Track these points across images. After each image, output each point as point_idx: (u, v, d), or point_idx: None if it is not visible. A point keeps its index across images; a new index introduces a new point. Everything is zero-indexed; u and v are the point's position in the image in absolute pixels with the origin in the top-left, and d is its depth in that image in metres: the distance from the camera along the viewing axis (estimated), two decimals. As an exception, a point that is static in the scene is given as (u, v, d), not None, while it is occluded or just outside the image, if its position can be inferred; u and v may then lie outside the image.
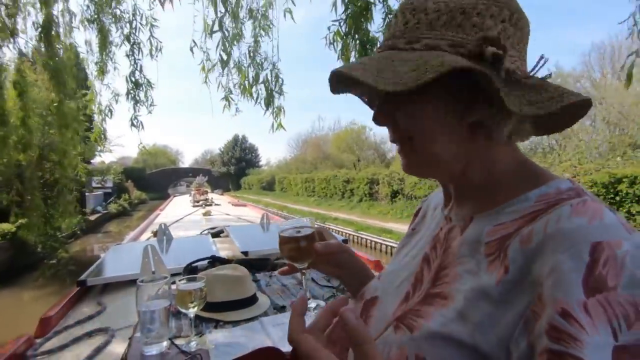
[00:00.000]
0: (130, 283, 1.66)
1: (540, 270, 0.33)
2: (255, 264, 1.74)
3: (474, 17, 0.40)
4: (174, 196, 11.15)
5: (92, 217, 16.68)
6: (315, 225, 0.71)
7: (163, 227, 2.61)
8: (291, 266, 0.70)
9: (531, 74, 0.42)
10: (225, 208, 5.88)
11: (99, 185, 21.38)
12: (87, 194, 16.55)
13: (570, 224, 0.34)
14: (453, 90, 0.41)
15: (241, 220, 3.98)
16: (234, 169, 41.21)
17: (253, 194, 30.74)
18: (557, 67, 15.47)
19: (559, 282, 0.31)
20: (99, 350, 1.06)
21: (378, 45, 0.50)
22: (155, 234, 2.81)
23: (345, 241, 2.29)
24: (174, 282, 1.04)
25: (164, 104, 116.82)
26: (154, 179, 39.42)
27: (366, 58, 0.45)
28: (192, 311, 0.95)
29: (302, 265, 0.69)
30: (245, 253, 1.98)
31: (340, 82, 0.46)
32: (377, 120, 0.47)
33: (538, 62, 0.42)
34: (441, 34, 0.41)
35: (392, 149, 26.96)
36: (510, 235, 0.38)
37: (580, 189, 0.39)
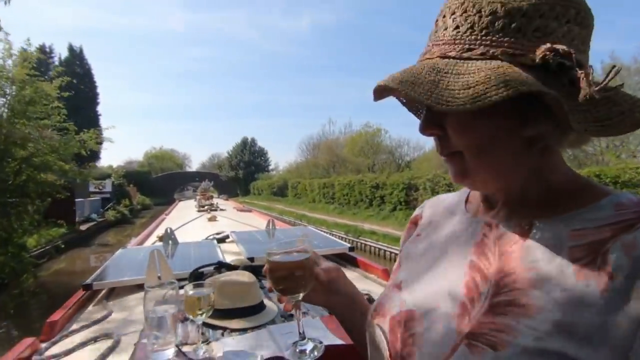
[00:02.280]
0: (136, 287, 1.65)
1: None
2: (262, 271, 1.71)
3: (536, 20, 0.37)
4: (179, 201, 11.18)
5: (84, 227, 14.42)
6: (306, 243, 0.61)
7: (169, 231, 2.60)
8: (283, 298, 0.61)
9: (601, 84, 0.36)
10: (230, 213, 5.88)
11: (97, 190, 19.56)
12: (77, 200, 14.37)
13: None
14: (508, 107, 0.38)
15: (246, 225, 3.96)
16: (243, 173, 39.39)
17: (263, 200, 28.68)
18: (613, 57, 13.23)
19: None
20: (104, 356, 1.04)
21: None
22: (160, 238, 2.80)
23: (352, 249, 2.27)
24: (181, 288, 1.03)
25: (173, 109, 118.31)
26: (160, 184, 38.86)
27: (414, 67, 0.41)
28: (200, 318, 0.93)
29: (295, 298, 0.60)
30: (251, 259, 1.97)
31: (384, 91, 0.43)
32: (424, 131, 0.45)
33: (609, 73, 0.36)
34: (498, 40, 0.38)
35: (408, 153, 25.76)
36: (605, 240, 0.36)
37: None
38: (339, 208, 17.44)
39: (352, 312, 0.62)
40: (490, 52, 0.38)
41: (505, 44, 0.37)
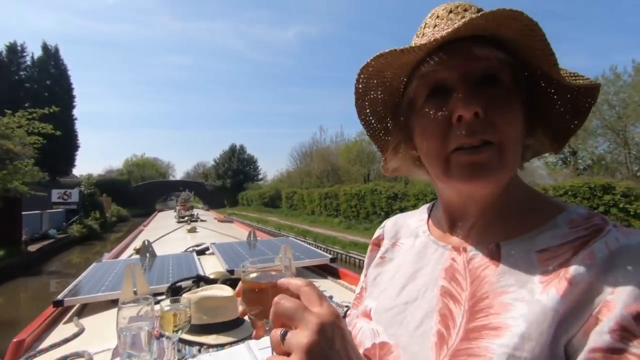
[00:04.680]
0: (110, 303, 1.60)
1: (610, 281, 0.35)
2: (236, 291, 1.70)
3: None
4: (158, 211, 10.91)
5: (34, 247, 11.03)
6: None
7: (147, 243, 2.54)
8: (256, 324, 0.52)
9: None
10: (211, 224, 5.78)
11: (60, 200, 16.61)
12: (26, 213, 11.51)
13: (633, 241, 0.37)
14: (525, 111, 0.45)
15: (227, 237, 3.91)
16: (231, 182, 36.57)
17: (254, 211, 26.11)
18: (637, 63, 12.00)
19: (636, 289, 0.33)
20: None
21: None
22: (138, 250, 2.73)
23: (334, 259, 2.27)
24: (157, 303, 1.00)
25: (158, 118, 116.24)
26: (140, 193, 36.58)
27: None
28: (176, 335, 0.92)
29: (269, 324, 0.56)
30: (231, 272, 1.94)
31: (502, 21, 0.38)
32: (471, 105, 0.40)
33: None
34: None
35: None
36: (568, 260, 0.38)
37: (596, 212, 0.42)
38: (345, 222, 15.06)
39: None
40: None
41: None
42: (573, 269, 0.37)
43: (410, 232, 0.56)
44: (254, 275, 0.53)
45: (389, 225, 0.62)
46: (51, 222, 14.29)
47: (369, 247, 0.63)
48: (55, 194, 16.55)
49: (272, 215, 22.01)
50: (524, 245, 0.41)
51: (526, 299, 0.38)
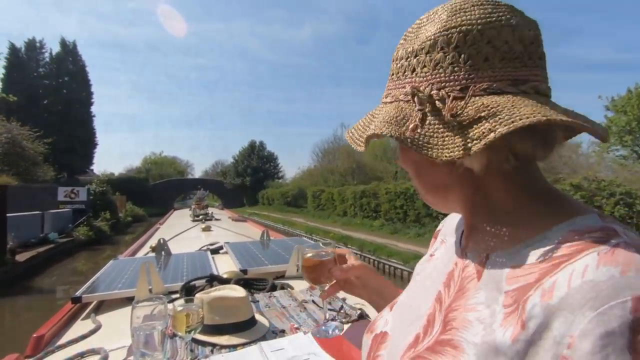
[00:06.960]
0: (127, 300, 1.62)
1: (566, 329, 0.29)
2: (255, 284, 1.70)
3: (424, 56, 0.40)
4: (174, 210, 11.08)
5: (24, 256, 8.70)
6: (335, 248, 0.79)
7: (162, 242, 2.58)
8: (313, 287, 0.74)
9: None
10: (225, 223, 5.85)
11: (67, 199, 14.70)
12: (15, 215, 9.15)
13: (599, 276, 0.29)
14: None
15: (241, 236, 3.94)
16: (250, 180, 35.16)
17: (276, 211, 24.46)
18: None
19: (593, 350, 0.27)
20: None
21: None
22: (153, 249, 2.78)
23: (347, 261, 2.25)
24: (171, 301, 1.01)
25: (177, 118, 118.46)
26: (158, 192, 35.44)
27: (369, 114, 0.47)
28: (188, 335, 0.92)
29: (322, 288, 0.78)
30: (244, 271, 1.95)
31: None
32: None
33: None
34: (401, 82, 0.42)
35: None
36: (530, 285, 0.33)
37: (610, 228, 0.33)
38: (388, 225, 12.79)
39: (384, 303, 0.64)
40: (394, 94, 0.43)
41: (401, 85, 0.43)
42: (529, 306, 0.31)
43: (451, 230, 0.54)
44: (309, 254, 0.79)
45: (448, 220, 0.59)
46: (56, 224, 12.32)
47: (431, 241, 0.60)
48: (62, 192, 14.78)
49: (298, 216, 20.05)
50: (508, 258, 0.37)
51: (486, 322, 0.35)
